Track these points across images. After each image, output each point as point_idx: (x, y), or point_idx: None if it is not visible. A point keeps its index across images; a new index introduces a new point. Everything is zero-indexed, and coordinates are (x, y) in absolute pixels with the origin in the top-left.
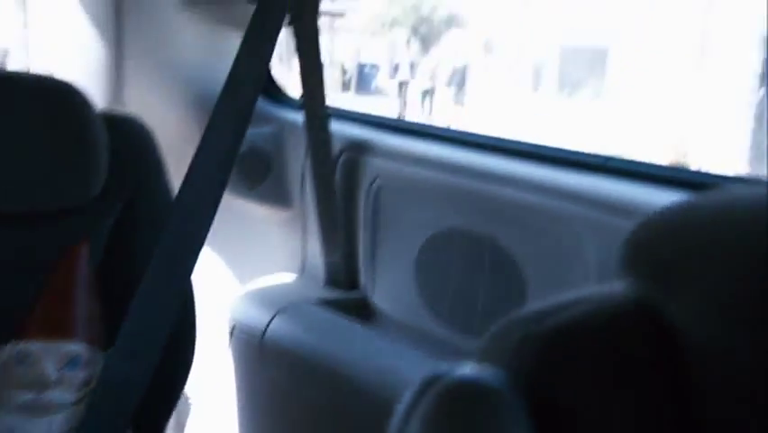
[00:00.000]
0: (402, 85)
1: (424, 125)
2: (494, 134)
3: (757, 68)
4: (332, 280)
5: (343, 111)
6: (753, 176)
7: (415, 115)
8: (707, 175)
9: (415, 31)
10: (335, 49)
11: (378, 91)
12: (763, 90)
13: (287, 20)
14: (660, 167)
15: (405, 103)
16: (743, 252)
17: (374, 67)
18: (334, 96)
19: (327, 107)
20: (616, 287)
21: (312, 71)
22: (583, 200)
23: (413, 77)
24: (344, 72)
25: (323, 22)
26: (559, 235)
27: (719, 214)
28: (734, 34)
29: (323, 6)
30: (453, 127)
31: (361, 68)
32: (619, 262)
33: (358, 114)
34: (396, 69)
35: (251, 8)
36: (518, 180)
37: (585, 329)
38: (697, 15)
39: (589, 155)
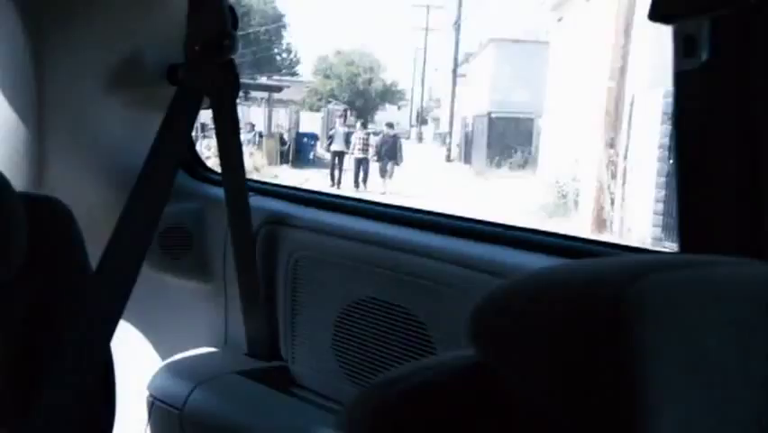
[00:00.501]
0: (336, 155)
1: (340, 198)
2: (406, 207)
3: (664, 140)
4: (253, 351)
5: (262, 185)
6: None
7: (349, 185)
8: (585, 241)
9: (351, 104)
10: (274, 119)
11: (315, 162)
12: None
13: (205, 101)
14: (549, 235)
15: (339, 172)
16: (553, 323)
17: (312, 137)
18: (271, 170)
19: (247, 182)
20: (465, 352)
21: (231, 148)
22: (483, 268)
23: (348, 147)
24: (283, 143)
25: (261, 95)
26: (464, 301)
27: (542, 290)
28: (642, 105)
29: (262, 80)
30: (368, 199)
31: (299, 137)
32: (468, 331)
33: (277, 187)
34: (331, 139)
35: (173, 90)
36: (428, 251)
37: (428, 391)
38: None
39: (489, 225)
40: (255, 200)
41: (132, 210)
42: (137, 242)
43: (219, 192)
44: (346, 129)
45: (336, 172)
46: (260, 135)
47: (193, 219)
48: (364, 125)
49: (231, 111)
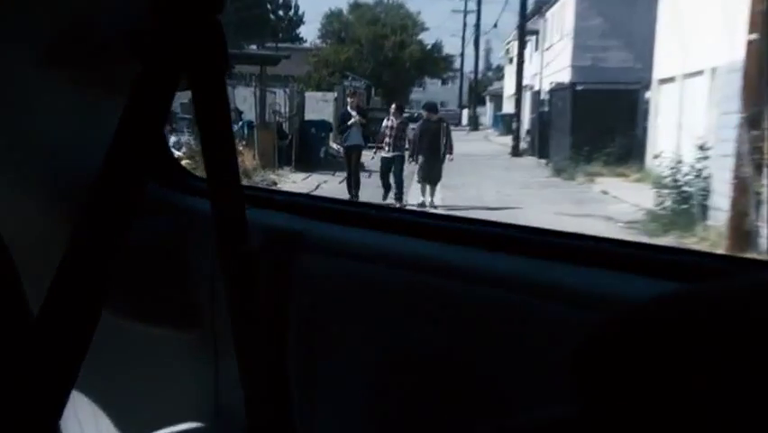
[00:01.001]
0: (351, 154)
1: (369, 209)
2: (459, 218)
3: None
4: (255, 426)
5: (264, 194)
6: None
7: (371, 196)
8: (697, 255)
9: (376, 78)
10: (269, 103)
11: (328, 161)
12: None
13: (183, 81)
14: (647, 249)
15: (356, 178)
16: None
17: (323, 126)
18: (267, 176)
19: (243, 189)
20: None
21: (220, 145)
22: (579, 299)
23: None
24: (282, 136)
25: (250, 70)
26: (554, 343)
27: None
28: None
29: (251, 50)
30: (408, 209)
31: (305, 127)
32: (574, 379)
33: (283, 197)
34: (345, 130)
35: (137, 65)
36: (498, 276)
37: None
38: None
39: (576, 239)
40: (254, 215)
41: (86, 234)
42: (93, 277)
43: (204, 205)
44: (357, 116)
45: (354, 179)
46: (251, 126)
47: (169, 244)
48: (399, 109)
49: (218, 93)
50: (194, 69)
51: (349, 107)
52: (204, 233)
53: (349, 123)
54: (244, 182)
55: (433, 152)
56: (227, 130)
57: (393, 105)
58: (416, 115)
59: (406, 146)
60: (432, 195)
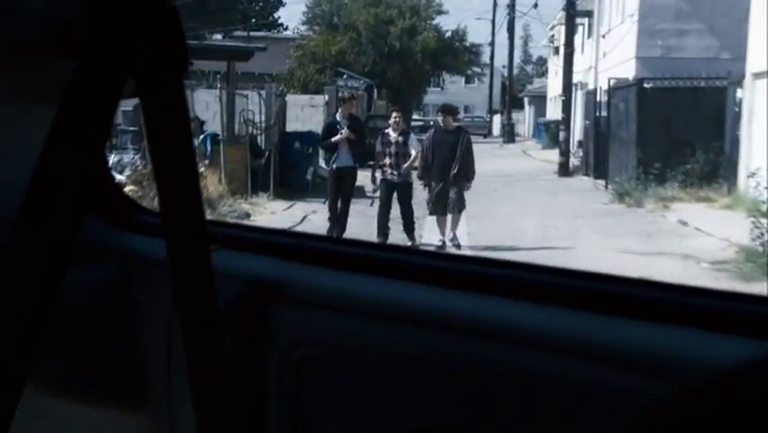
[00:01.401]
0: (339, 177)
1: (370, 249)
2: (485, 259)
3: None
4: None
5: (234, 231)
6: None
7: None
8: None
9: (379, 75)
10: (239, 110)
11: (316, 186)
12: None
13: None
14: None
15: (343, 209)
16: None
17: (310, 139)
18: (238, 205)
19: (207, 225)
20: None
21: (177, 166)
22: (639, 365)
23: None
24: (257, 153)
25: (214, 67)
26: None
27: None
28: None
29: (214, 40)
30: (417, 249)
31: (287, 142)
32: None
33: (259, 234)
34: (331, 147)
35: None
36: (540, 334)
37: None
38: None
39: (635, 286)
40: (222, 258)
41: (3, 285)
42: (11, 346)
43: (157, 247)
44: (346, 129)
45: (341, 211)
46: (215, 140)
47: (112, 297)
48: (407, 110)
49: (174, 99)
50: (142, 70)
51: (338, 116)
52: (157, 283)
53: (333, 139)
54: (208, 215)
55: (449, 170)
56: (186, 146)
57: (393, 113)
58: (431, 123)
59: (415, 165)
60: (454, 227)
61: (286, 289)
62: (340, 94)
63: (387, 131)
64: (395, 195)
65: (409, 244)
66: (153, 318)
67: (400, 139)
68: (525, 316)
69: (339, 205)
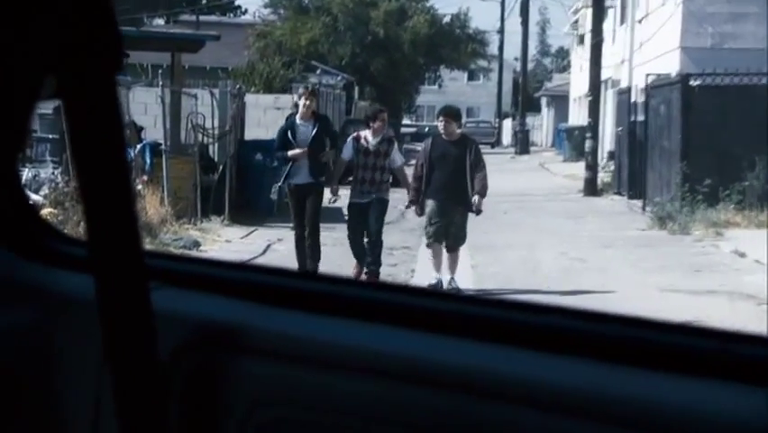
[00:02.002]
0: (299, 196)
1: (341, 285)
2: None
3: None
4: None
5: (183, 264)
6: None
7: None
8: None
9: (360, 71)
10: (185, 113)
11: (282, 208)
12: None
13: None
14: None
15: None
16: None
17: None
18: (184, 233)
19: (147, 258)
20: None
21: (108, 184)
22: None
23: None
24: (209, 167)
25: (154, 59)
26: None
27: None
28: None
29: (155, 26)
30: (399, 284)
31: (245, 152)
32: None
33: (210, 269)
34: (285, 160)
35: None
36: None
37: None
38: None
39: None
40: (165, 298)
41: None
42: None
43: (85, 285)
44: (309, 128)
45: (310, 241)
46: (156, 151)
47: (26, 348)
48: (379, 119)
49: (105, 101)
50: (64, 64)
51: (297, 117)
52: (83, 330)
53: (289, 154)
54: (147, 245)
55: (452, 192)
56: (119, 159)
57: (369, 111)
58: (426, 129)
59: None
60: (452, 267)
61: (244, 336)
62: (301, 90)
63: (363, 135)
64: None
65: (363, 275)
66: (78, 374)
67: (381, 148)
68: (536, 368)
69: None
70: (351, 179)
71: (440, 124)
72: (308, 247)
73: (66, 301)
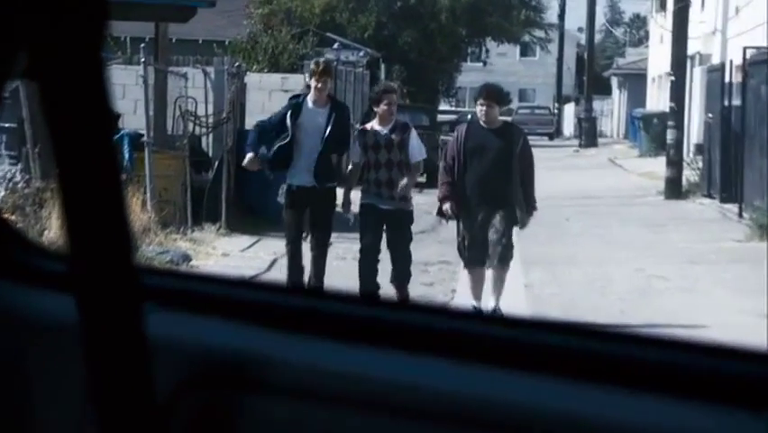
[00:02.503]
0: (296, 209)
1: (382, 308)
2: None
3: None
4: None
5: (175, 281)
6: None
7: None
8: None
9: (386, 46)
10: (171, 99)
11: None
12: None
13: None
14: None
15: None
16: None
17: None
18: (171, 243)
19: (140, 275)
20: None
21: (93, 184)
22: None
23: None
24: (201, 164)
25: (134, 31)
26: None
27: None
28: None
29: None
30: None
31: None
32: None
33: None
34: (275, 155)
35: None
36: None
37: None
38: None
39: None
40: (164, 323)
41: None
42: None
43: (64, 306)
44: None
45: (314, 269)
46: (137, 143)
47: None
48: (431, 97)
49: (88, 85)
50: (38, 38)
51: (309, 99)
52: (61, 361)
53: (245, 163)
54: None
55: (491, 195)
56: (107, 153)
57: (373, 91)
58: (468, 116)
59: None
60: (496, 292)
61: (260, 369)
62: (311, 67)
63: (370, 126)
64: (384, 231)
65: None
66: (54, 415)
67: (394, 138)
68: (593, 404)
69: (311, 246)
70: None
71: (479, 109)
72: (313, 262)
73: (41, 327)
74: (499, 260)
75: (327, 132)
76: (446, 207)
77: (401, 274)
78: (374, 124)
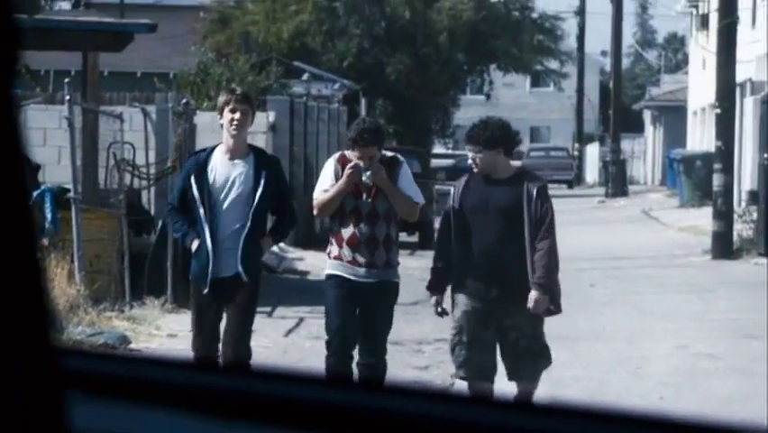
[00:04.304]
0: (216, 294)
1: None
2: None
3: None
4: None
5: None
6: None
7: None
8: None
9: (367, 76)
10: (104, 143)
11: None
12: None
13: None
14: None
15: None
16: None
17: None
18: (110, 325)
19: (63, 354)
20: None
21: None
22: None
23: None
24: (144, 224)
25: (58, 61)
26: None
27: None
28: None
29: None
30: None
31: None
32: None
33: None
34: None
35: None
36: None
37: None
38: None
39: None
40: (91, 415)
41: None
42: None
43: None
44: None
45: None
46: (63, 200)
47: None
48: (421, 138)
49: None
50: None
51: (219, 150)
52: None
53: (193, 245)
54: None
55: (501, 276)
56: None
57: (356, 131)
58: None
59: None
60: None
61: None
62: (226, 98)
63: (349, 155)
64: (358, 309)
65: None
66: None
67: (365, 179)
68: None
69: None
70: (331, 237)
71: (469, 158)
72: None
73: None
74: (532, 373)
75: (257, 195)
76: (433, 300)
77: (377, 365)
78: (354, 156)
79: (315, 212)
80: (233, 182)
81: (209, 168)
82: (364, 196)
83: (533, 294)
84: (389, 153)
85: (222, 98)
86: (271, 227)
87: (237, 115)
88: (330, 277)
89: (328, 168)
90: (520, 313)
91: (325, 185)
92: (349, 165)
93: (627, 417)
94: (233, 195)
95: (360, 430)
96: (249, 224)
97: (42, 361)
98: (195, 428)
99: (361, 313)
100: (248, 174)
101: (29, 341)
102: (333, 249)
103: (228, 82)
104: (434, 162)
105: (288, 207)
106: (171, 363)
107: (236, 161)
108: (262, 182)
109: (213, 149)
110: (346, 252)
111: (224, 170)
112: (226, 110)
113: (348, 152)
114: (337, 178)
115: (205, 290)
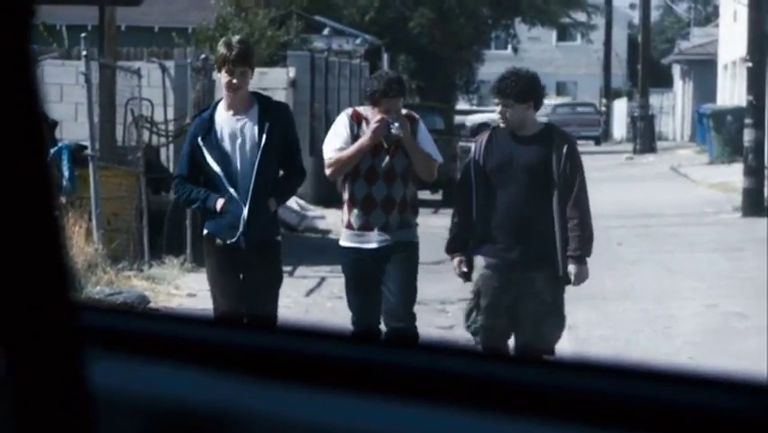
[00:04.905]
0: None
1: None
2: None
3: None
4: None
5: (135, 322)
6: None
7: None
8: None
9: (389, 31)
10: (121, 99)
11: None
12: None
13: None
14: None
15: None
16: None
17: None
18: (129, 286)
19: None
20: None
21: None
22: None
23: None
24: (161, 181)
25: (69, 14)
26: None
27: None
28: None
29: None
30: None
31: None
32: None
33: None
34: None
35: None
36: None
37: None
38: None
39: None
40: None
41: None
42: None
43: None
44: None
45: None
46: (79, 157)
47: None
48: (445, 93)
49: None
50: None
51: (222, 106)
52: None
53: (218, 204)
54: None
55: (526, 238)
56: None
57: (378, 83)
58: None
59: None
60: None
61: (238, 427)
62: (218, 47)
63: (364, 113)
64: (377, 272)
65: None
66: None
67: (394, 132)
68: None
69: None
70: (344, 198)
71: (497, 112)
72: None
73: None
74: (543, 335)
75: (260, 149)
76: (454, 263)
77: (405, 317)
78: (369, 113)
79: (327, 172)
80: (240, 138)
81: (216, 126)
82: (383, 153)
83: (572, 268)
84: (404, 110)
85: (218, 53)
86: (274, 186)
87: (234, 80)
88: (342, 250)
89: (341, 124)
90: (541, 278)
91: (338, 143)
92: (375, 119)
93: (655, 373)
94: (239, 152)
95: (385, 387)
96: (253, 181)
97: (62, 318)
98: (215, 384)
99: (382, 280)
100: (252, 128)
101: (49, 298)
102: (344, 215)
103: (248, 38)
104: (458, 119)
105: (297, 162)
106: (192, 319)
107: (239, 116)
108: (265, 135)
109: (216, 105)
110: (358, 216)
111: (229, 126)
112: (223, 70)
113: (361, 108)
114: (353, 135)
115: (241, 244)
